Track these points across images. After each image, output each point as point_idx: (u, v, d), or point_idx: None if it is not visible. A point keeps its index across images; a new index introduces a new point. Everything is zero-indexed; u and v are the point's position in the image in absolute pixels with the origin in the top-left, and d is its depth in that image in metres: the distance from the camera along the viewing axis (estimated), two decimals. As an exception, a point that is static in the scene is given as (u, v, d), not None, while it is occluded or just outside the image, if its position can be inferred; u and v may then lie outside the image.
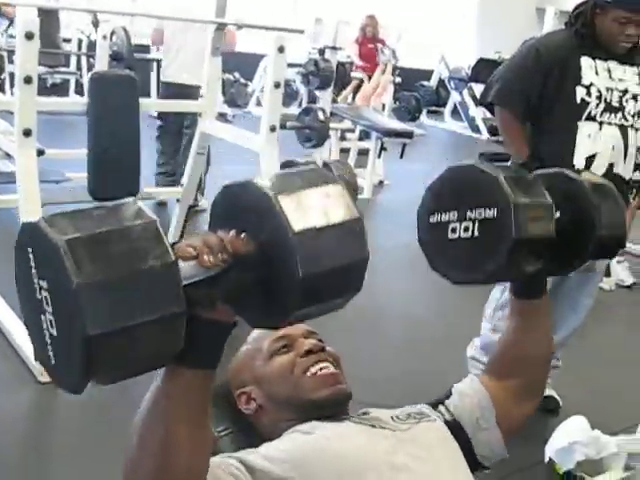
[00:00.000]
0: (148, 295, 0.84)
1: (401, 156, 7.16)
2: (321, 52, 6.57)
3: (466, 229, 1.23)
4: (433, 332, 4.09)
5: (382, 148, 6.85)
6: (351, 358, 1.49)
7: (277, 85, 3.67)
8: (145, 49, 8.78)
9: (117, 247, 0.83)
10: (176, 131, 5.65)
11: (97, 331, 0.80)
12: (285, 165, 5.44)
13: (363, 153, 7.19)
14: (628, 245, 5.53)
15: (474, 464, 1.39)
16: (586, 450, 2.81)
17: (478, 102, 2.87)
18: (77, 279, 0.80)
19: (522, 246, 1.20)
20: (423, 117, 11.81)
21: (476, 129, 11.25)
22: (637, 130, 2.94)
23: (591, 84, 2.86)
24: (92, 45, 7.57)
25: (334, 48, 6.15)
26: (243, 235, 0.93)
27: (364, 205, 6.42)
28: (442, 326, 4.19)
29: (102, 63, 5.39)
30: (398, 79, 9.91)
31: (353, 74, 8.81)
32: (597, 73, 2.88)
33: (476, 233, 1.22)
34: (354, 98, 8.92)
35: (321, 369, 1.36)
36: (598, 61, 2.89)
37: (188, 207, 4.48)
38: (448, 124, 12.22)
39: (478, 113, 11.14)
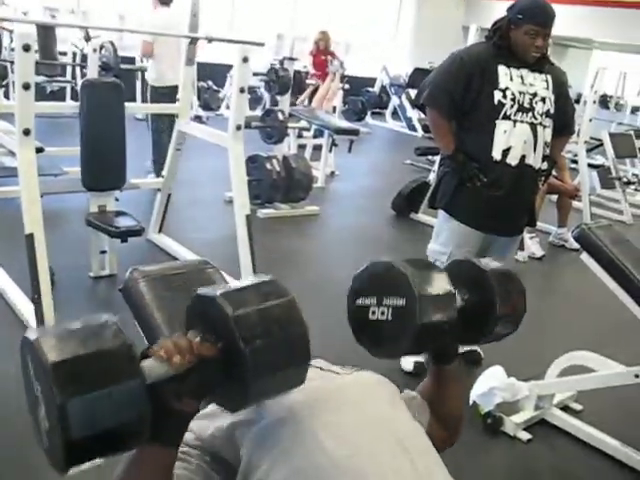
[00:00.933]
0: (122, 406, 0.87)
1: (349, 150, 7.14)
2: (281, 62, 6.52)
3: (383, 313, 1.26)
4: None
5: (333, 144, 6.83)
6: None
7: (242, 90, 3.62)
8: (131, 60, 8.64)
9: (95, 367, 0.87)
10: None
11: (77, 435, 0.85)
12: (251, 159, 5.41)
13: (317, 148, 7.15)
14: (539, 224, 5.60)
15: None
16: (503, 394, 2.83)
17: (413, 104, 2.81)
18: (61, 397, 0.84)
19: (427, 329, 1.23)
20: (368, 118, 11.81)
21: (413, 128, 11.23)
22: (545, 127, 2.96)
23: (507, 88, 2.87)
24: (85, 57, 7.43)
25: (291, 59, 6.09)
26: (207, 341, 0.97)
27: (319, 192, 6.39)
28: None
29: (93, 72, 5.28)
30: (347, 86, 9.88)
31: (308, 81, 8.73)
32: (511, 79, 2.89)
33: (390, 317, 1.25)
34: (310, 102, 8.86)
35: None
36: (512, 69, 2.90)
37: (167, 195, 4.42)
38: (389, 124, 12.20)
39: (414, 114, 11.14)
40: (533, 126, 2.93)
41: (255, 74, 6.82)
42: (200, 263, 1.77)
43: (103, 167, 3.75)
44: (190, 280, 1.68)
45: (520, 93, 2.90)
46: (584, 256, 2.63)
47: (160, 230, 4.48)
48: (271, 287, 1.05)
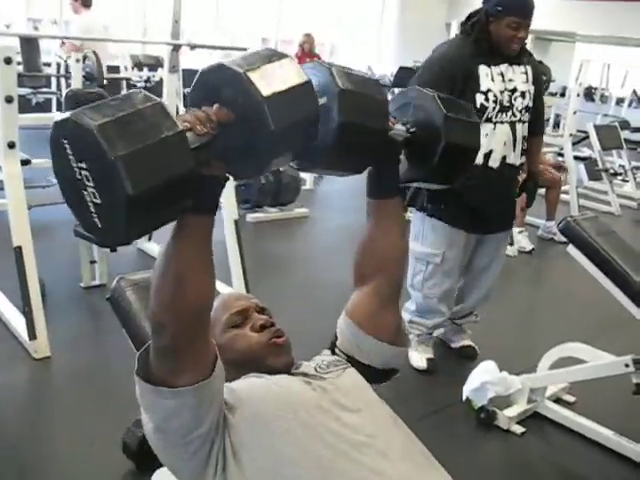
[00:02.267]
0: (168, 158, 0.93)
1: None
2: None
3: None
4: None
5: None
6: (292, 323, 1.50)
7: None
8: (115, 69, 8.64)
9: (136, 125, 0.91)
10: None
11: (135, 191, 0.89)
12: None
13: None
14: (527, 218, 5.63)
15: (385, 374, 1.42)
16: (496, 388, 2.85)
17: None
18: (113, 153, 0.88)
19: (349, 129, 1.20)
20: (355, 118, 11.82)
21: (400, 126, 11.27)
22: (523, 123, 2.97)
23: (488, 90, 2.85)
24: (69, 68, 7.44)
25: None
26: (224, 108, 1.01)
27: (308, 195, 6.40)
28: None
29: (77, 83, 5.28)
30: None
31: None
32: (492, 79, 2.87)
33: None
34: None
35: (274, 337, 1.38)
36: (493, 67, 2.87)
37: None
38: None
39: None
40: (512, 124, 2.93)
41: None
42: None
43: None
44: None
45: (501, 92, 2.88)
46: (571, 248, 2.64)
47: (150, 238, 4.47)
48: (272, 52, 1.08)
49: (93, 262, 3.85)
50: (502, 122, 2.89)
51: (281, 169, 5.46)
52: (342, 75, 1.21)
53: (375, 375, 1.40)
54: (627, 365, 2.55)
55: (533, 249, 5.44)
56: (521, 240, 5.38)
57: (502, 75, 2.89)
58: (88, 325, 3.50)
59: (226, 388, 1.23)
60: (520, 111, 2.94)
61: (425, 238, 3.12)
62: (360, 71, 1.28)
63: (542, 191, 6.13)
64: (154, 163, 0.91)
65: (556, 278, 5.21)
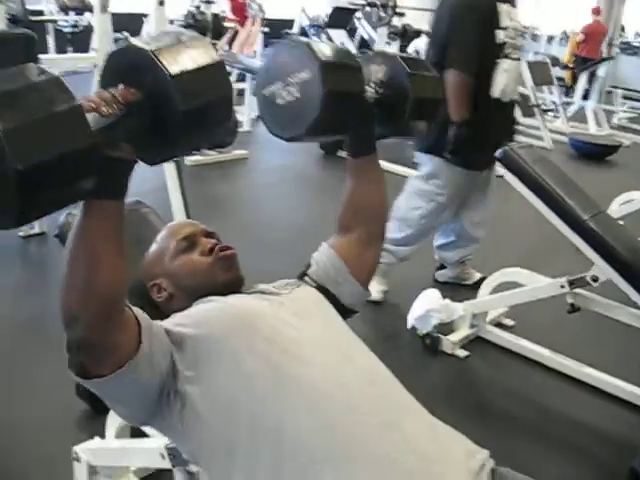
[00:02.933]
0: (62, 133, 0.87)
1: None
2: (197, 7, 6.36)
3: (289, 93, 1.26)
4: (309, 235, 4.15)
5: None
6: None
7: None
8: (40, 13, 8.31)
9: (28, 99, 0.86)
10: None
11: (24, 165, 0.83)
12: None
13: (241, 93, 7.05)
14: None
15: (346, 312, 1.45)
16: (439, 315, 2.94)
17: (435, 64, 2.67)
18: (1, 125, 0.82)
19: (333, 97, 1.23)
20: (290, 60, 11.69)
21: (334, 68, 11.21)
22: (519, 61, 3.12)
23: (507, 27, 2.93)
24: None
25: (208, 2, 5.96)
26: (131, 88, 0.98)
27: (246, 137, 6.34)
28: (312, 228, 4.25)
29: (1, 26, 5.05)
30: (266, 29, 9.74)
31: (226, 24, 8.55)
32: (509, 16, 2.95)
33: (298, 94, 1.25)
34: (230, 47, 8.70)
35: (222, 250, 1.39)
36: (504, 6, 2.95)
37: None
38: (311, 65, 12.12)
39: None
40: (517, 61, 3.05)
41: (171, 22, 6.65)
42: (133, 204, 1.77)
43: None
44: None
45: (512, 29, 2.97)
46: (508, 176, 2.72)
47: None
48: (187, 34, 1.05)
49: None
50: (513, 58, 2.99)
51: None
52: (320, 49, 1.25)
53: (338, 309, 1.43)
54: (563, 286, 2.67)
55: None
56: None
57: (509, 14, 2.98)
58: (30, 275, 3.44)
59: (180, 316, 1.25)
60: (518, 49, 3.05)
61: (435, 178, 3.18)
62: (331, 43, 1.38)
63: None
64: (46, 137, 0.86)
65: (493, 208, 5.33)
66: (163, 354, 1.16)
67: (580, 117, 8.87)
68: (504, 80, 2.96)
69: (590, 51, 11.64)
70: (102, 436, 1.91)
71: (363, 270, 1.47)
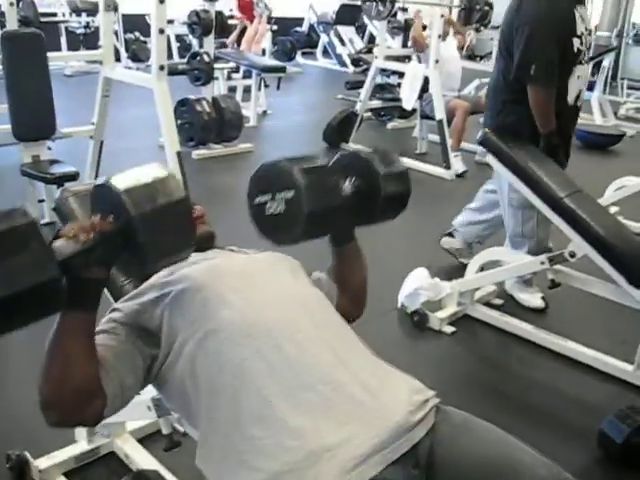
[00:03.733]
0: (30, 268, 1.02)
1: (278, 88, 7.24)
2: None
3: (277, 206, 1.40)
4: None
5: (265, 84, 6.91)
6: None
7: (161, 31, 3.68)
8: (52, 14, 8.50)
9: (7, 241, 1.02)
10: None
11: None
12: (181, 103, 5.47)
13: (248, 90, 7.17)
14: (465, 143, 5.84)
15: None
16: (428, 293, 3.07)
17: (516, 79, 2.68)
18: None
19: (314, 215, 1.38)
20: (299, 57, 11.79)
21: (343, 64, 11.28)
22: (588, 63, 3.05)
23: (581, 33, 2.87)
24: (3, 13, 7.29)
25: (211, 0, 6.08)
26: (110, 218, 1.14)
27: (252, 131, 6.49)
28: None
29: (12, 27, 5.22)
30: (274, 27, 9.87)
31: (232, 22, 8.67)
32: (583, 21, 2.88)
33: (283, 209, 1.39)
34: (239, 44, 8.84)
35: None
36: (578, 8, 2.87)
37: (100, 143, 4.47)
38: (320, 62, 12.21)
39: (344, 50, 11.22)
40: (587, 64, 2.99)
41: (170, 21, 6.79)
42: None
43: (31, 115, 3.79)
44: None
45: (585, 35, 2.90)
46: (489, 158, 2.84)
47: (96, 177, 4.55)
48: (158, 171, 1.21)
49: (41, 201, 3.93)
50: (583, 62, 2.93)
51: (223, 105, 5.55)
52: (303, 171, 1.38)
53: None
54: (543, 262, 2.79)
55: (466, 171, 5.65)
56: (455, 163, 5.58)
57: (582, 16, 2.90)
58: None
59: (163, 280, 1.39)
60: (588, 49, 2.98)
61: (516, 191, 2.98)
62: (309, 156, 1.49)
63: (481, 119, 6.35)
64: (15, 274, 1.01)
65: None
66: (141, 355, 1.32)
67: (587, 108, 8.91)
68: (579, 86, 2.93)
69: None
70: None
71: (348, 316, 1.57)
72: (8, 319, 1.03)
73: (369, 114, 7.03)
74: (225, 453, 1.21)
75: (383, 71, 6.91)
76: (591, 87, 8.98)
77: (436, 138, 5.92)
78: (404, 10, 7.12)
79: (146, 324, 1.34)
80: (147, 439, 2.12)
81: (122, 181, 1.15)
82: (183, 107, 5.47)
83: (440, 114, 5.64)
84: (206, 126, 5.44)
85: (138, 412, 1.73)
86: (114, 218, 1.14)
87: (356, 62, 10.50)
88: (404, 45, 7.76)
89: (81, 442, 2.06)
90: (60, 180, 3.64)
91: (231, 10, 9.48)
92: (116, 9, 6.87)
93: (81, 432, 2.04)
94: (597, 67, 9.07)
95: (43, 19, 6.51)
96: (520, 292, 3.30)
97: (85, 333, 1.20)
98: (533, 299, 3.26)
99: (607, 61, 8.92)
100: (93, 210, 1.20)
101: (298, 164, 1.40)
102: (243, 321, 1.28)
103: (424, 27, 6.13)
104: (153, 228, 1.14)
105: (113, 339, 1.31)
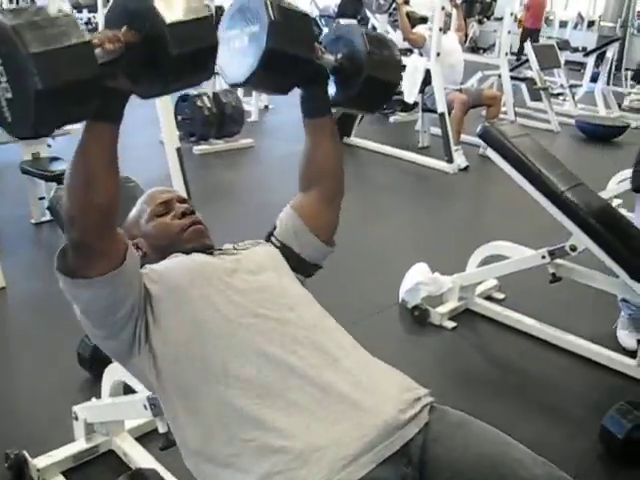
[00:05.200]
0: (74, 62, 1.03)
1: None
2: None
3: (242, 41, 1.38)
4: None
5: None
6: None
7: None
8: None
9: (49, 30, 1.02)
10: None
11: (44, 86, 0.99)
12: (181, 98, 5.47)
13: (250, 84, 7.17)
14: (468, 137, 5.81)
15: (310, 267, 1.58)
16: (428, 288, 3.06)
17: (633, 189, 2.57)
18: (25, 50, 0.98)
19: (273, 56, 1.34)
20: (302, 51, 11.75)
21: (346, 58, 11.25)
22: None
23: None
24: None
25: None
26: (132, 30, 1.14)
27: (253, 126, 6.49)
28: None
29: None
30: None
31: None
32: None
33: (246, 44, 1.37)
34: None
35: (193, 224, 1.53)
36: None
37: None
38: (323, 56, 12.17)
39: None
40: None
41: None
42: (123, 179, 1.91)
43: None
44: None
45: None
46: (489, 152, 2.82)
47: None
48: None
49: (42, 198, 3.93)
50: None
51: (224, 100, 5.54)
52: (276, 7, 1.35)
53: (302, 267, 1.56)
54: (544, 257, 2.77)
55: (468, 166, 5.64)
56: (456, 158, 5.56)
57: None
58: (40, 257, 3.61)
59: (149, 268, 1.39)
60: None
61: None
62: (296, 7, 1.44)
63: (484, 112, 6.34)
64: (62, 65, 1.02)
65: (491, 192, 5.46)
66: (139, 281, 1.31)
67: (591, 100, 8.88)
68: None
69: (534, 23, 13.38)
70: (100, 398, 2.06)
71: (324, 228, 1.58)
72: (51, 113, 1.04)
73: (371, 108, 6.99)
74: (213, 455, 1.20)
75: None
76: (595, 78, 8.98)
77: (438, 131, 5.90)
78: (406, 3, 7.08)
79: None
80: (146, 437, 2.11)
81: None
82: (184, 102, 5.46)
83: (442, 107, 5.62)
84: (207, 121, 5.43)
85: (134, 411, 1.74)
86: (139, 30, 1.14)
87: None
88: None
89: (80, 440, 2.05)
90: (60, 177, 3.63)
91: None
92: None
93: (80, 430, 2.04)
94: (601, 58, 9.05)
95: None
96: (623, 329, 3.00)
97: (109, 142, 1.19)
98: (629, 340, 2.95)
99: (611, 52, 8.88)
100: (109, 24, 1.19)
101: (278, 1, 1.37)
102: (228, 323, 1.28)
103: (423, 20, 6.08)
104: (181, 40, 1.14)
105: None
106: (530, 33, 12.49)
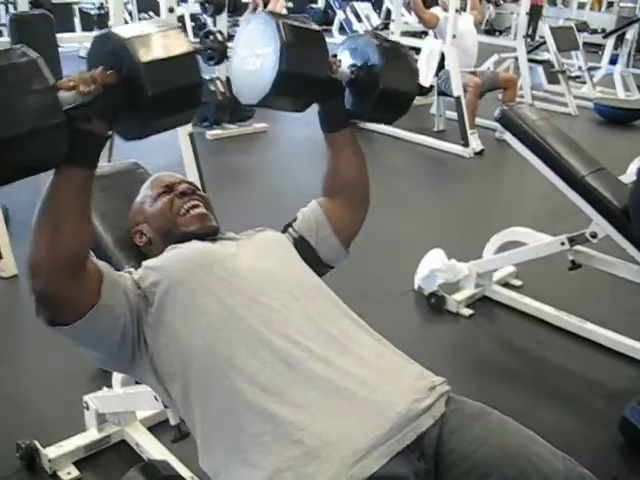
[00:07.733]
0: (34, 110, 0.99)
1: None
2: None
3: (255, 63, 1.34)
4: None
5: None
6: (255, 226, 1.62)
7: (171, 10, 3.63)
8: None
9: (7, 77, 0.98)
10: None
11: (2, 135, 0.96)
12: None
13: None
14: (484, 120, 5.74)
15: (322, 266, 1.54)
16: (445, 275, 3.01)
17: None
18: None
19: (286, 76, 1.30)
20: (315, 35, 11.68)
21: (360, 40, 11.16)
22: None
23: None
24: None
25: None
26: (109, 70, 1.09)
27: (266, 111, 6.33)
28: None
29: (23, 9, 5.21)
30: (290, 4, 9.77)
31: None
32: None
33: (259, 66, 1.33)
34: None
35: (193, 207, 1.50)
36: None
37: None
38: (336, 39, 12.05)
39: (360, 27, 11.07)
40: None
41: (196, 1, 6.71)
42: (130, 165, 1.87)
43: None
44: (119, 181, 1.78)
45: None
46: (508, 136, 2.76)
47: (109, 159, 4.52)
48: (167, 24, 1.17)
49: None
50: None
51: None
52: (287, 28, 1.31)
53: (314, 265, 1.51)
54: (563, 243, 2.71)
55: (483, 150, 5.57)
56: (472, 141, 5.49)
57: None
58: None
59: (144, 266, 1.36)
60: None
61: None
62: (309, 23, 1.40)
63: (500, 96, 6.25)
64: (19, 112, 0.98)
65: (507, 176, 5.41)
66: (126, 298, 1.27)
67: (610, 83, 8.74)
68: None
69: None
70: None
71: (345, 230, 1.56)
72: (10, 165, 1.01)
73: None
74: (225, 452, 1.17)
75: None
76: (614, 61, 8.83)
77: (454, 115, 5.83)
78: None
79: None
80: (158, 427, 2.09)
81: (125, 31, 1.11)
82: (197, 87, 5.41)
83: (458, 91, 5.55)
84: (220, 106, 5.38)
85: (145, 402, 1.71)
86: (117, 70, 1.10)
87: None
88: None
89: (91, 430, 2.03)
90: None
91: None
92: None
93: (91, 420, 2.02)
94: (620, 40, 8.89)
95: (55, 0, 6.44)
96: None
97: (81, 187, 1.14)
98: None
99: (631, 33, 8.72)
100: (90, 64, 1.14)
101: (289, 22, 1.33)
102: (230, 314, 1.24)
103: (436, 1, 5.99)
104: (158, 80, 1.09)
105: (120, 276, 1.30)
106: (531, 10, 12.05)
